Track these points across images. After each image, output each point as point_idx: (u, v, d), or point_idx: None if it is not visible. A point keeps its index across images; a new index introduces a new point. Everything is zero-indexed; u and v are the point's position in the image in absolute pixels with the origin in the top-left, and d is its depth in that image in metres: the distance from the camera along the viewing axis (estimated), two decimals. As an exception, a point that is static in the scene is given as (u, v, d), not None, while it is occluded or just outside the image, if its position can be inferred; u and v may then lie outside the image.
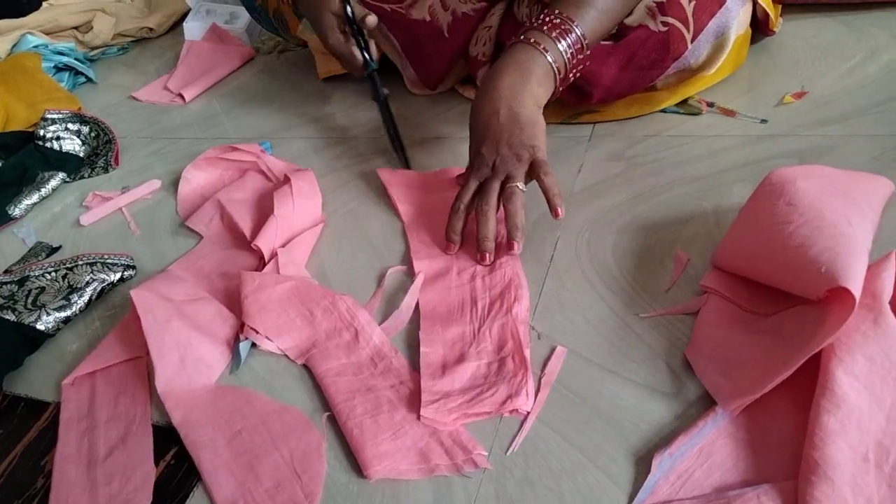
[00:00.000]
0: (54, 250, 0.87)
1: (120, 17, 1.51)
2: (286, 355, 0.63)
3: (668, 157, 0.75)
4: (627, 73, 0.77)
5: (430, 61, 0.94)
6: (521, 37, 0.70)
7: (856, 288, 0.45)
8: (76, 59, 1.39)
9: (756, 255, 0.55)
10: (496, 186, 0.67)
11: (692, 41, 0.75)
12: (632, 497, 0.46)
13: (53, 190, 0.99)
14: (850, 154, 0.69)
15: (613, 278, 0.62)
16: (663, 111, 0.83)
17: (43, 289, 0.75)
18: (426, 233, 0.72)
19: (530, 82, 0.68)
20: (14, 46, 1.40)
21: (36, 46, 1.38)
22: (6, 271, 0.81)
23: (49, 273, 0.77)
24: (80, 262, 0.77)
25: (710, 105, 0.81)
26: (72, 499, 0.55)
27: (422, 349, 0.59)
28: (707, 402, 0.50)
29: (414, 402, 0.55)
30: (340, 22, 0.84)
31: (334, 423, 0.56)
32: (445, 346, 0.59)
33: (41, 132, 1.05)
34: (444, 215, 0.69)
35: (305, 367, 0.62)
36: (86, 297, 0.74)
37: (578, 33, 0.69)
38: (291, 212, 0.76)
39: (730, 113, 0.79)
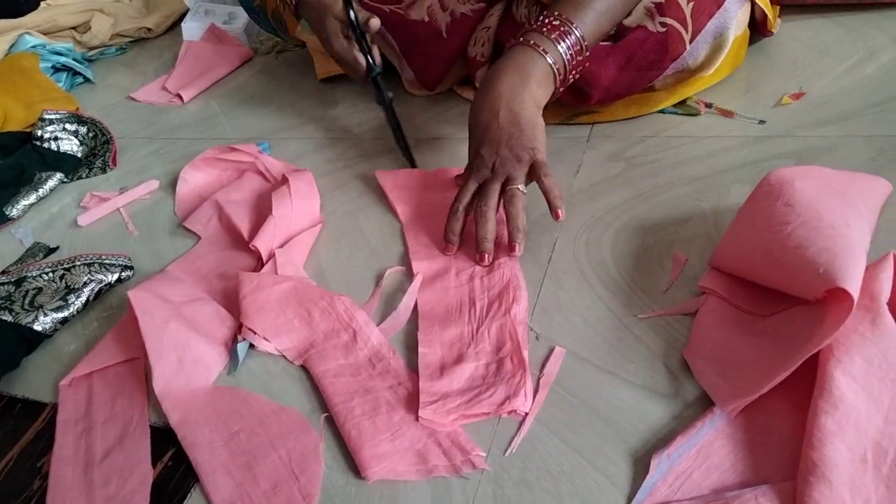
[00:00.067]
0: (52, 251, 0.87)
1: (118, 17, 1.51)
2: (284, 356, 0.63)
3: (667, 157, 0.75)
4: (626, 74, 0.77)
5: (428, 62, 0.94)
6: (521, 38, 0.70)
7: (854, 289, 0.45)
8: (74, 59, 1.39)
9: (754, 256, 0.55)
10: (496, 188, 0.67)
11: (690, 42, 0.76)
12: (630, 498, 0.46)
13: (51, 190, 0.99)
14: (848, 155, 0.69)
15: (612, 279, 0.62)
16: (662, 112, 0.83)
17: (40, 289, 0.75)
18: (424, 234, 0.72)
19: (530, 84, 0.68)
20: (12, 46, 1.39)
21: (34, 46, 1.38)
22: (3, 272, 0.81)
23: (46, 273, 0.77)
24: (78, 263, 0.77)
25: (709, 106, 0.81)
26: (69, 501, 0.55)
27: (420, 350, 0.59)
28: (705, 403, 0.50)
29: (412, 403, 0.55)
30: (344, 27, 0.84)
31: (332, 423, 0.55)
32: (444, 347, 0.59)
33: (39, 132, 1.04)
34: (442, 216, 0.69)
35: (303, 367, 0.61)
36: (83, 298, 0.74)
37: (578, 35, 0.69)
38: (289, 212, 0.76)
39: (728, 114, 0.80)
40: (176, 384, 0.61)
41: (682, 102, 0.82)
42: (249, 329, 0.64)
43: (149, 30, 1.53)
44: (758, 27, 0.86)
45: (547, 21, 0.70)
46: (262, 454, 0.54)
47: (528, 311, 0.61)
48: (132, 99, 1.26)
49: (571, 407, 0.52)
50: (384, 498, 0.49)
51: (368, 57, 0.84)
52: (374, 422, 0.54)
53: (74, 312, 0.73)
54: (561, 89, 0.72)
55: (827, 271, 0.47)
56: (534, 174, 0.67)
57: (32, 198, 0.97)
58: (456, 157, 0.84)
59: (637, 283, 0.61)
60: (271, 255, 0.72)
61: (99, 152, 1.06)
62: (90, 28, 1.47)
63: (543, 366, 0.56)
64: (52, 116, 1.06)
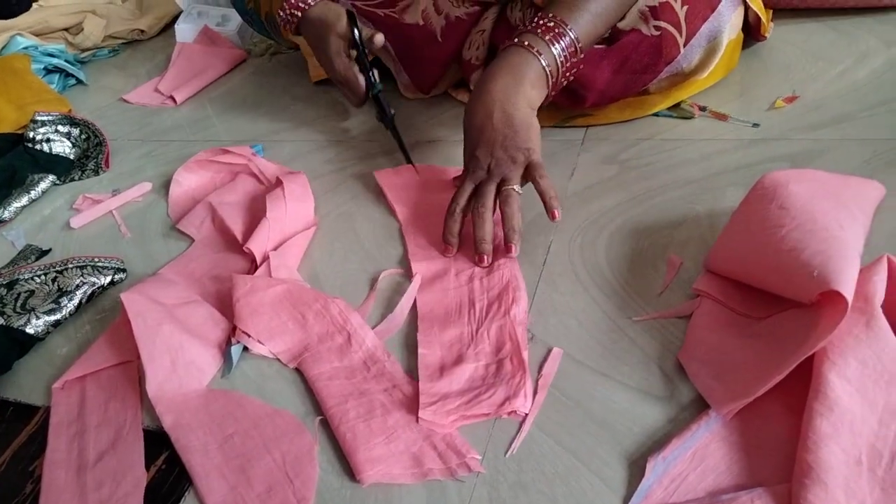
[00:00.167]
0: (44, 253, 0.86)
1: (111, 18, 1.50)
2: (278, 359, 0.63)
3: (661, 160, 0.76)
4: (620, 77, 0.77)
5: (423, 65, 0.94)
6: (515, 40, 0.70)
7: (848, 291, 0.45)
8: (66, 60, 1.38)
9: (748, 259, 0.55)
10: (492, 189, 0.67)
11: (685, 45, 0.76)
12: (625, 501, 0.46)
13: (43, 192, 0.99)
14: (842, 158, 0.69)
15: (606, 281, 0.62)
16: (656, 115, 0.83)
17: (32, 292, 0.75)
18: (423, 235, 0.72)
19: (524, 85, 0.68)
20: (3, 48, 1.38)
21: (26, 48, 1.37)
22: (-5, 274, 0.81)
23: (39, 276, 0.76)
24: (70, 266, 0.77)
25: (703, 109, 0.82)
26: (61, 504, 0.54)
27: (420, 351, 0.59)
28: (700, 406, 0.50)
29: (407, 405, 0.55)
30: (346, 45, 0.83)
31: (326, 426, 0.55)
32: (443, 348, 0.59)
33: (31, 134, 1.04)
34: (440, 217, 0.70)
35: (298, 370, 0.61)
36: (76, 301, 0.74)
37: (572, 37, 0.69)
38: (283, 215, 0.75)
39: (722, 117, 0.80)
40: (169, 387, 0.60)
41: (677, 106, 0.83)
42: (243, 332, 0.63)
43: (142, 31, 1.53)
44: (751, 31, 0.86)
45: (541, 22, 0.70)
46: (257, 457, 0.54)
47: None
48: (125, 101, 1.25)
49: (566, 409, 0.52)
50: (379, 501, 0.49)
51: (370, 75, 0.84)
52: (369, 425, 0.54)
53: (67, 315, 0.73)
54: (555, 91, 0.72)
55: (821, 274, 0.47)
56: (529, 175, 0.67)
57: (24, 200, 0.96)
58: (451, 159, 0.84)
59: (632, 286, 0.61)
60: (265, 258, 0.71)
61: (91, 154, 1.06)
62: (83, 30, 1.46)
63: (542, 366, 0.56)
64: (45, 118, 1.06)
